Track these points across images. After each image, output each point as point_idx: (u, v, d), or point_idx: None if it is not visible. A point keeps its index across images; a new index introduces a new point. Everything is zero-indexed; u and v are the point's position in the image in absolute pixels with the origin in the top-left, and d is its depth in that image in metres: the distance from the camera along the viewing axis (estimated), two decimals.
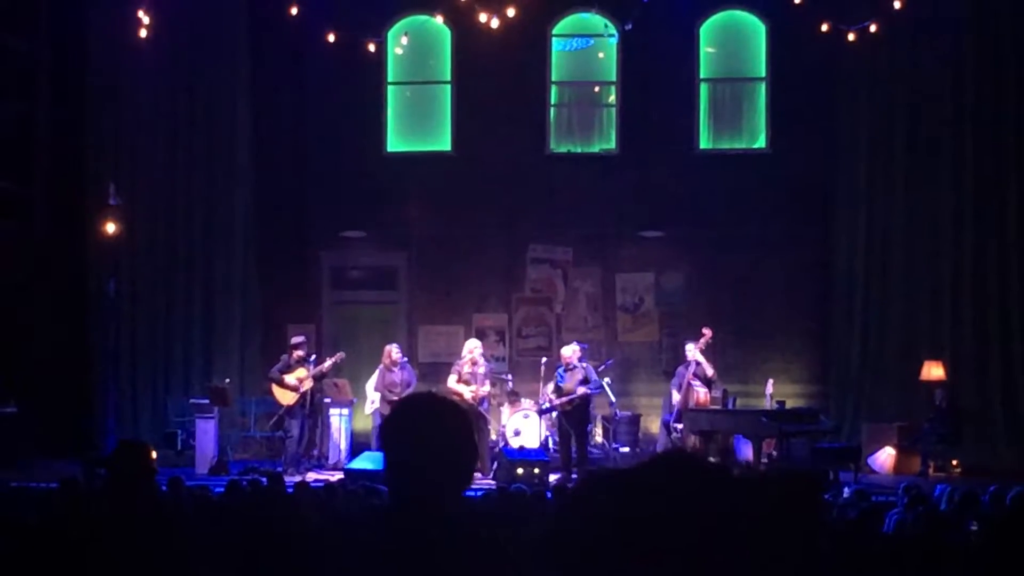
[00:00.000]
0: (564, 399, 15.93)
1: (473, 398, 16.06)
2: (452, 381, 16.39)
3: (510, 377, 16.80)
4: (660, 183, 19.36)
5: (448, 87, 20.09)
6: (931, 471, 16.69)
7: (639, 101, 19.60)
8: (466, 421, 3.21)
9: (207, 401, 17.06)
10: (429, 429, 3.12)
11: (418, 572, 2.94)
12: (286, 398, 16.65)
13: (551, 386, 16.35)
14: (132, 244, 19.00)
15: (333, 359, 16.86)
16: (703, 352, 16.66)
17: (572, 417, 15.91)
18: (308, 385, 16.52)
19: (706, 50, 19.83)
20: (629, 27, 18.75)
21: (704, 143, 19.84)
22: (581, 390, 15.90)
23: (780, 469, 14.39)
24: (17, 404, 17.41)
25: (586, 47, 20.10)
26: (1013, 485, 9.71)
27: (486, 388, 16.43)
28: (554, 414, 16.42)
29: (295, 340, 16.99)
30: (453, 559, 2.96)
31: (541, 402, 16.59)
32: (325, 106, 19.63)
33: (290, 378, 16.62)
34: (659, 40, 18.95)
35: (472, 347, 16.70)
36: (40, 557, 5.19)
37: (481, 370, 16.40)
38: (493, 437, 16.97)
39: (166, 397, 18.89)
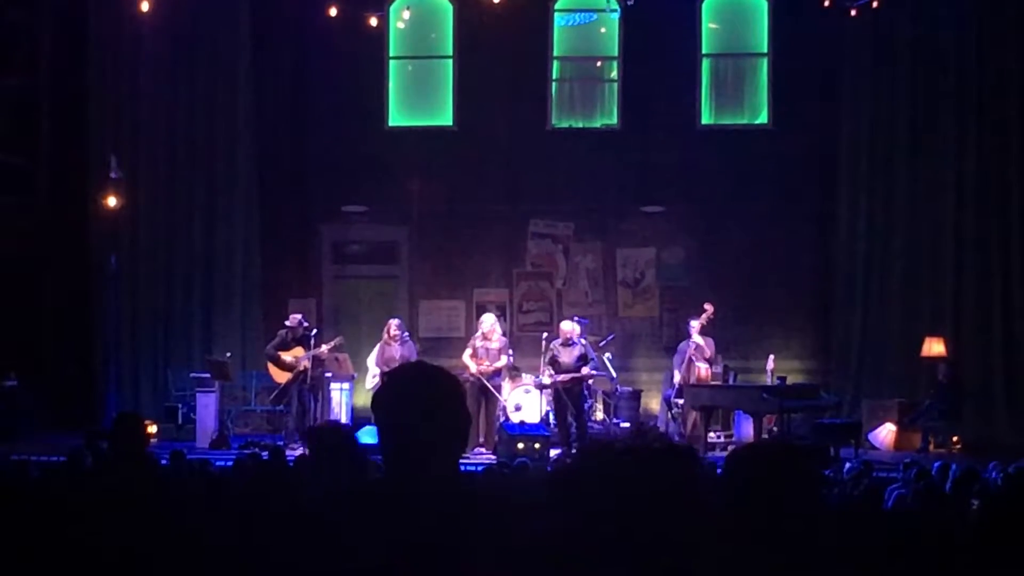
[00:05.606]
0: (566, 376, 15.89)
1: (479, 372, 16.04)
2: (466, 355, 16.38)
3: (511, 352, 16.77)
4: (662, 158, 19.32)
5: (450, 61, 20.00)
6: (931, 447, 16.70)
7: (641, 76, 19.53)
8: (455, 389, 3.22)
9: (208, 375, 17.07)
10: (417, 397, 3.13)
11: (413, 540, 2.95)
12: (281, 377, 16.62)
13: (547, 358, 16.28)
14: (133, 217, 18.99)
15: (330, 344, 16.79)
16: (703, 328, 16.62)
17: (571, 393, 15.89)
18: (305, 365, 16.46)
19: (708, 25, 19.75)
20: (631, 2, 18.70)
21: (706, 118, 19.78)
22: (586, 370, 15.89)
23: (782, 440, 14.39)
24: (18, 377, 17.44)
25: (588, 22, 20.03)
26: (1013, 461, 9.73)
27: (501, 362, 16.36)
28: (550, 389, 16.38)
29: (292, 320, 16.89)
30: (447, 527, 2.96)
31: (539, 377, 16.54)
32: (327, 80, 19.57)
33: (287, 356, 16.59)
34: (661, 15, 18.88)
35: (481, 321, 16.72)
36: (39, 528, 5.20)
37: (494, 345, 16.33)
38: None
39: (167, 371, 18.86)
